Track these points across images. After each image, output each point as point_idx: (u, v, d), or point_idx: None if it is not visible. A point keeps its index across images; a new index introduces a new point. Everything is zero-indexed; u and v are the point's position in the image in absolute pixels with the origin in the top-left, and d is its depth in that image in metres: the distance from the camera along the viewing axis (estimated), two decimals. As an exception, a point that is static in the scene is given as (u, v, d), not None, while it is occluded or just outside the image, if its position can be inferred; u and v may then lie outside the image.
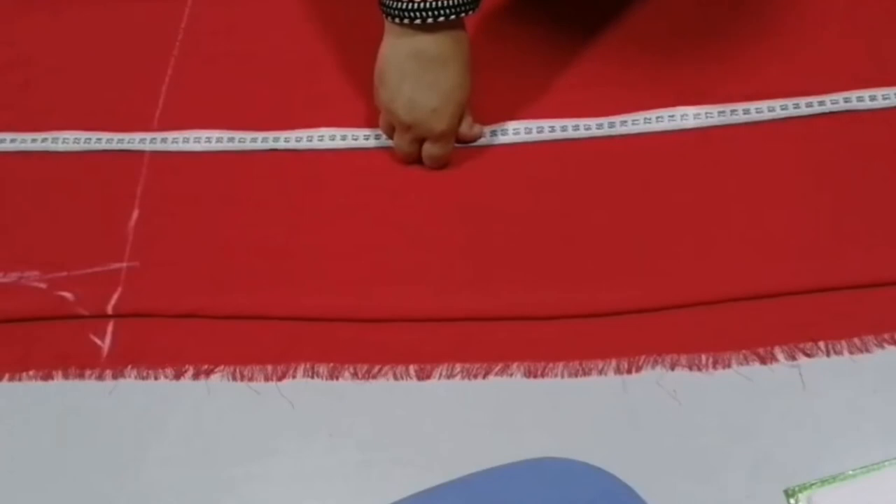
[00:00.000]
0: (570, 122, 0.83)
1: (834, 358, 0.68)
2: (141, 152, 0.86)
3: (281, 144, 0.85)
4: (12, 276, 0.78)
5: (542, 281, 0.74)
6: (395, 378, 0.70)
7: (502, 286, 0.74)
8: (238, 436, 0.68)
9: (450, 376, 0.70)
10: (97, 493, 0.66)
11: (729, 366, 0.68)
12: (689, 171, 0.79)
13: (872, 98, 0.81)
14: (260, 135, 0.86)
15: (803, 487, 0.62)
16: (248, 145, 0.85)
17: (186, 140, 0.86)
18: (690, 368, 0.68)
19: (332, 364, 0.71)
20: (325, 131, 0.86)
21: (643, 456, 0.64)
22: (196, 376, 0.72)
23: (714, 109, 0.83)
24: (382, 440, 0.67)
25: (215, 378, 0.71)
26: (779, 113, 0.82)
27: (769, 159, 0.79)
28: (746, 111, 0.82)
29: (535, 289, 0.74)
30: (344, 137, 0.85)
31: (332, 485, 0.65)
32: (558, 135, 0.83)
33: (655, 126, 0.82)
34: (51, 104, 0.91)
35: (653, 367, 0.69)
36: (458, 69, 0.78)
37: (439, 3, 0.73)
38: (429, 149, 0.80)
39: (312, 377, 0.71)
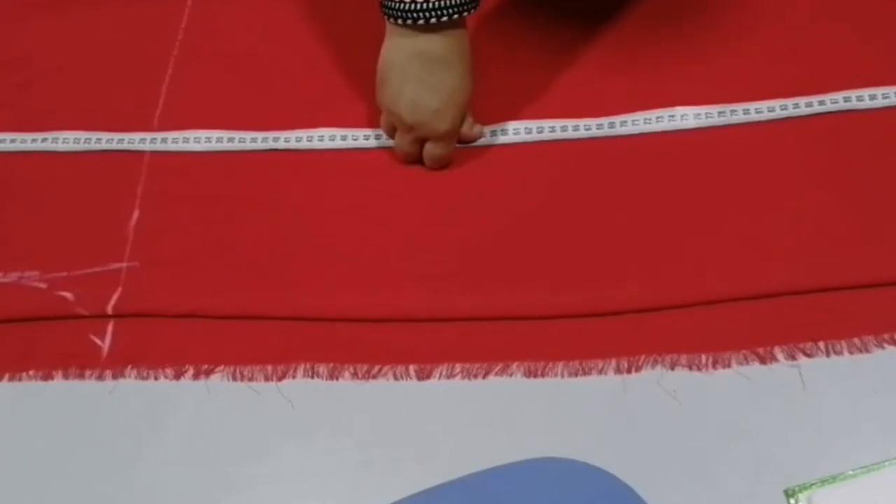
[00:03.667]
0: (570, 122, 0.83)
1: (834, 358, 0.68)
2: (141, 152, 0.86)
3: (281, 144, 0.85)
4: (12, 276, 0.78)
5: (542, 281, 0.74)
6: (395, 378, 0.70)
7: (502, 286, 0.74)
8: (238, 436, 0.68)
9: (450, 376, 0.70)
10: (97, 493, 0.66)
11: (729, 366, 0.68)
12: (689, 171, 0.79)
13: (872, 98, 0.81)
14: (260, 135, 0.86)
15: (803, 487, 0.62)
16: (248, 145, 0.85)
17: (186, 140, 0.86)
18: (690, 368, 0.69)
19: (332, 364, 0.71)
20: (325, 131, 0.86)
21: (643, 456, 0.64)
22: (196, 376, 0.72)
23: (714, 109, 0.83)
24: (382, 440, 0.67)
25: (215, 378, 0.71)
26: (779, 113, 0.82)
27: (769, 159, 0.79)
28: (746, 111, 0.82)
29: (534, 288, 0.74)
30: (344, 137, 0.85)
31: (332, 485, 0.65)
32: (558, 135, 0.83)
33: (655, 126, 0.82)
34: (51, 104, 0.91)
35: (653, 367, 0.69)
36: (461, 70, 0.78)
37: (440, 3, 0.73)
38: (430, 149, 0.80)
39: (312, 377, 0.71)
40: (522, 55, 0.89)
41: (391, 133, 0.83)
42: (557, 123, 0.84)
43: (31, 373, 0.73)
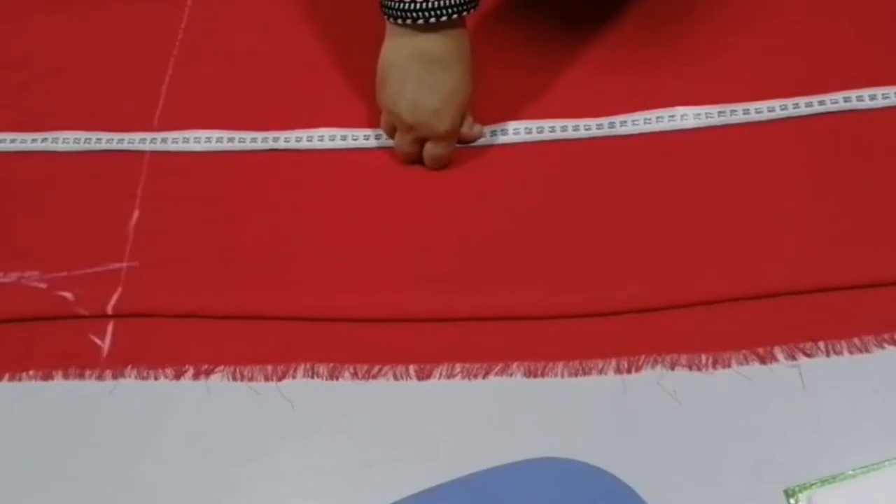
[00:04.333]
0: (570, 122, 0.83)
1: (834, 358, 0.68)
2: (141, 152, 0.86)
3: (281, 144, 0.85)
4: (12, 276, 0.78)
5: (542, 281, 0.74)
6: (395, 378, 0.70)
7: (502, 286, 0.74)
8: (238, 436, 0.68)
9: (450, 376, 0.70)
10: (97, 493, 0.66)
11: (729, 366, 0.68)
12: (689, 171, 0.79)
13: (872, 97, 0.81)
14: (260, 135, 0.86)
15: (803, 487, 0.62)
16: (248, 145, 0.85)
17: (186, 140, 0.86)
18: (690, 368, 0.68)
19: (332, 364, 0.71)
20: (325, 131, 0.86)
21: (643, 456, 0.64)
22: (196, 376, 0.72)
23: (714, 109, 0.83)
24: (382, 440, 0.67)
25: (215, 378, 0.71)
26: (779, 113, 0.82)
27: (769, 159, 0.79)
28: (746, 111, 0.82)
29: (534, 288, 0.74)
30: (344, 137, 0.85)
31: (332, 485, 0.65)
32: (558, 135, 0.83)
33: (655, 126, 0.82)
34: (51, 104, 0.91)
35: (653, 367, 0.69)
36: (461, 70, 0.78)
37: (440, 3, 0.73)
38: (430, 149, 0.80)
39: (312, 377, 0.71)
40: (522, 55, 0.89)
41: (391, 133, 0.83)
42: (557, 123, 0.84)
43: (31, 373, 0.73)
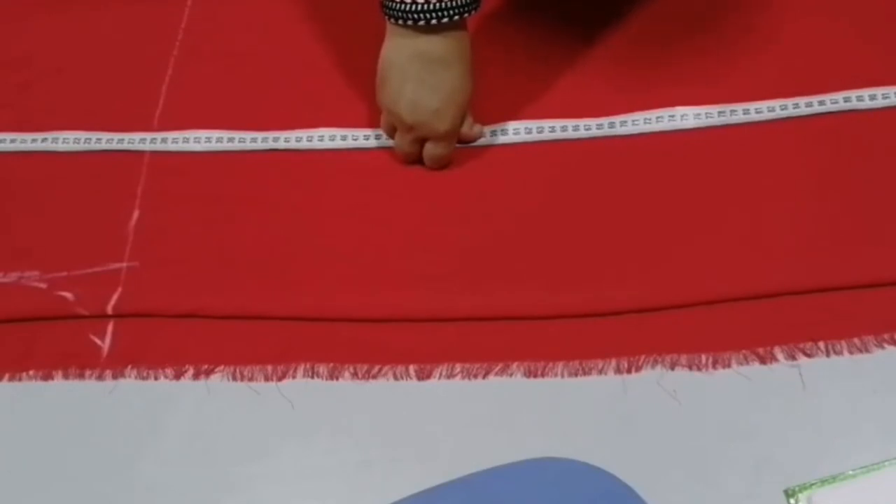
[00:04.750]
0: (570, 122, 0.83)
1: (834, 358, 0.68)
2: (141, 152, 0.86)
3: (281, 144, 0.85)
4: (12, 276, 0.78)
5: (542, 281, 0.74)
6: (395, 378, 0.70)
7: (502, 286, 0.74)
8: (238, 436, 0.68)
9: (450, 376, 0.70)
10: (97, 493, 0.66)
11: (729, 366, 0.68)
12: (689, 171, 0.79)
13: (872, 98, 0.81)
14: (260, 135, 0.86)
15: (803, 487, 0.62)
16: (248, 145, 0.85)
17: (186, 140, 0.86)
18: (690, 368, 0.69)
19: (332, 364, 0.71)
20: (325, 131, 0.86)
21: (643, 456, 0.64)
22: (196, 376, 0.72)
23: (714, 109, 0.83)
24: (382, 440, 0.67)
25: (215, 378, 0.71)
26: (779, 113, 0.82)
27: (769, 159, 0.79)
28: (746, 111, 0.82)
29: (534, 289, 0.74)
30: (344, 137, 0.85)
31: (332, 485, 0.65)
32: (558, 135, 0.83)
33: (655, 126, 0.82)
34: (51, 104, 0.91)
35: (653, 367, 0.69)
36: (461, 70, 0.78)
37: (441, 4, 0.73)
38: (430, 149, 0.80)
39: (312, 377, 0.71)
40: (522, 55, 0.89)
41: (391, 133, 0.83)
42: (557, 123, 0.84)
43: (31, 373, 0.73)
